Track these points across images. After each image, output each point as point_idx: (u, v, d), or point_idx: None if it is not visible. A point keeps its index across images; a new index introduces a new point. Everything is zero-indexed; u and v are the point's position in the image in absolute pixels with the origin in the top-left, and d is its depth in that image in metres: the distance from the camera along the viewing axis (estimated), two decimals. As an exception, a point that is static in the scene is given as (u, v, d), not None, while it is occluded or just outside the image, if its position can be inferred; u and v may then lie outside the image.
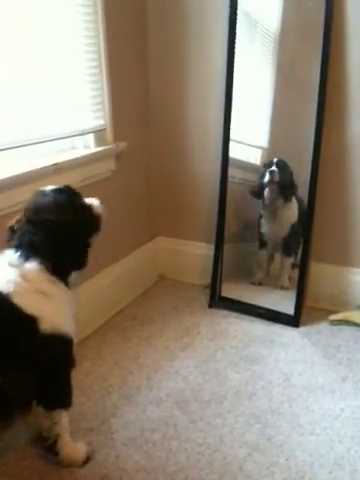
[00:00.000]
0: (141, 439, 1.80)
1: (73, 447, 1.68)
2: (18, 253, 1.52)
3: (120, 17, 2.38)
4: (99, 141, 2.37)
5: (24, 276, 1.49)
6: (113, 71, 2.34)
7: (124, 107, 2.49)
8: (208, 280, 2.73)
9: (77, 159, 2.21)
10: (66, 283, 1.59)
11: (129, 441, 1.79)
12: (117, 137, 2.44)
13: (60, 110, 2.15)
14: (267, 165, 2.55)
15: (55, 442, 1.64)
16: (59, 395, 1.62)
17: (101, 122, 2.36)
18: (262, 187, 2.57)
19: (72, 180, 2.18)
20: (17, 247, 1.53)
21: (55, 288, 1.54)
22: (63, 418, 1.62)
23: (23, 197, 1.97)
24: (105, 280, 2.49)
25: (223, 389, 2.06)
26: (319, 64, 2.28)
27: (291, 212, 2.59)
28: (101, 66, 2.30)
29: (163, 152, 2.81)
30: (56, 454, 1.66)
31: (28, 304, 1.45)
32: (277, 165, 2.51)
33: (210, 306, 2.67)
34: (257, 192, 2.61)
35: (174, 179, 2.84)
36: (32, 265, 1.51)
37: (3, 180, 1.84)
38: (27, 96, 1.98)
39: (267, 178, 2.53)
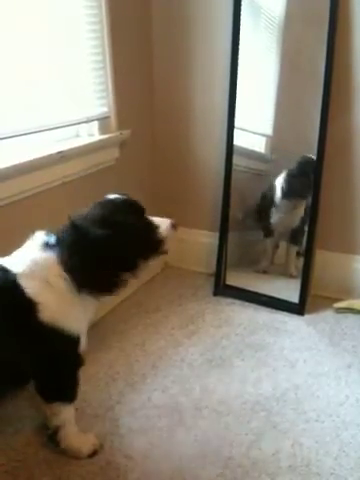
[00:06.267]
0: (146, 426, 1.81)
1: (79, 438, 1.66)
2: (46, 238, 1.52)
3: (123, 4, 2.36)
4: (103, 129, 2.36)
5: (36, 260, 1.47)
6: (117, 59, 2.33)
7: (128, 95, 2.47)
8: (213, 268, 2.73)
9: (82, 147, 2.21)
10: (80, 289, 1.51)
11: (134, 428, 1.80)
12: (121, 125, 2.43)
13: (64, 98, 2.14)
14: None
15: (55, 432, 1.63)
16: (58, 390, 1.59)
17: (105, 110, 2.35)
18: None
19: (77, 168, 2.19)
20: (49, 232, 1.53)
21: (62, 284, 1.48)
22: (64, 411, 1.60)
23: (29, 185, 1.96)
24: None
25: (228, 376, 2.06)
26: (325, 51, 2.26)
27: (302, 207, 2.59)
28: (105, 53, 2.28)
29: (167, 140, 2.80)
30: (57, 445, 1.64)
31: (32, 288, 1.43)
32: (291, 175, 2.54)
33: (215, 294, 2.68)
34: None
35: (178, 167, 2.83)
36: (50, 254, 1.49)
37: (9, 168, 1.84)
38: (31, 84, 1.97)
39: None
